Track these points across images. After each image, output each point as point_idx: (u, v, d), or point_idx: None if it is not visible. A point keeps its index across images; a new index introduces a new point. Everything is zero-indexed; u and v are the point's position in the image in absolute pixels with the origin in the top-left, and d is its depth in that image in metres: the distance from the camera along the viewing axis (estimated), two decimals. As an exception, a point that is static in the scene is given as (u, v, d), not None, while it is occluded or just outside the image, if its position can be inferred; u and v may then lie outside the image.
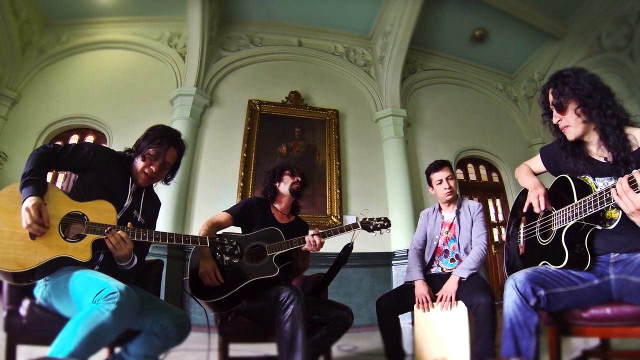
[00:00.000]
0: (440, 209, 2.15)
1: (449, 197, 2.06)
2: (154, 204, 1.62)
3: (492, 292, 1.71)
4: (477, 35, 5.31)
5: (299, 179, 2.03)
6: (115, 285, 1.10)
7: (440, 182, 2.06)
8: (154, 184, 1.61)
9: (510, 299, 1.11)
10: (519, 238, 1.43)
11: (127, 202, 1.44)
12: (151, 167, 1.49)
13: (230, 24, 5.13)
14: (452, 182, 2.06)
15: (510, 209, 1.58)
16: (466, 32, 5.31)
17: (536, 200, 1.28)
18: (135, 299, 1.12)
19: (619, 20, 4.52)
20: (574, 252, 1.14)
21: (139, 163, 1.49)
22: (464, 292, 1.75)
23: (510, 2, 4.78)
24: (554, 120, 1.28)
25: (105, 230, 1.27)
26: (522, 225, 1.43)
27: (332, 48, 5.38)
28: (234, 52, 5.03)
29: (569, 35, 5.16)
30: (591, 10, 4.78)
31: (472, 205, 2.07)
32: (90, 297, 1.07)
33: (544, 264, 1.22)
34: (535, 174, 1.50)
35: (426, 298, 1.83)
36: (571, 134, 1.25)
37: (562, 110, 1.24)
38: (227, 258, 1.47)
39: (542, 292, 1.09)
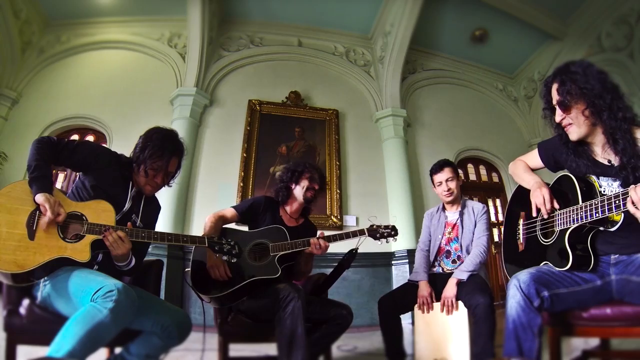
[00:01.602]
0: (444, 208, 2.13)
1: (448, 199, 2.05)
2: (154, 208, 1.61)
3: (491, 293, 1.72)
4: (477, 35, 5.30)
5: (317, 187, 1.92)
6: (114, 283, 1.10)
7: (440, 183, 2.05)
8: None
9: (514, 299, 1.08)
10: (519, 234, 1.41)
11: (127, 206, 1.43)
12: (155, 179, 1.48)
13: (230, 24, 5.13)
14: (452, 184, 2.03)
15: (508, 202, 1.54)
16: (466, 32, 5.31)
17: (542, 203, 1.21)
18: (133, 297, 1.12)
19: (619, 20, 4.52)
20: (577, 253, 1.12)
21: (142, 177, 1.46)
22: (463, 292, 1.75)
23: (510, 2, 4.78)
24: (557, 119, 1.19)
25: (103, 229, 1.27)
26: (521, 221, 1.40)
27: (332, 48, 5.38)
28: (234, 52, 5.03)
29: (569, 35, 5.16)
30: (591, 10, 4.78)
31: (476, 206, 2.04)
32: (89, 296, 1.07)
33: (545, 264, 1.21)
34: (532, 170, 1.44)
35: (427, 300, 1.83)
36: (574, 133, 1.17)
37: (567, 109, 1.15)
38: (225, 258, 1.47)
39: (545, 293, 1.07)
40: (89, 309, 1.04)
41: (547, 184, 1.30)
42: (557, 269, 1.15)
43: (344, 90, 5.22)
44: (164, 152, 1.47)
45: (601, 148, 1.17)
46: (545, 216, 1.21)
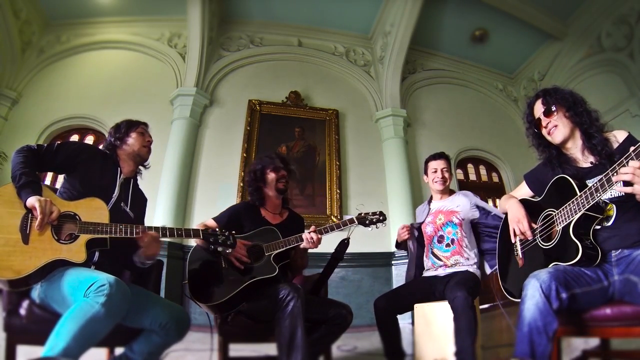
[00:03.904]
0: (430, 201, 2.18)
1: (440, 188, 2.10)
2: (141, 199, 1.64)
3: (474, 287, 1.71)
4: (477, 35, 5.31)
5: (285, 173, 1.88)
6: (105, 277, 1.09)
7: (435, 170, 2.11)
8: (139, 177, 1.67)
9: (532, 300, 1.04)
10: (516, 251, 1.41)
11: (115, 193, 1.45)
12: (147, 139, 1.63)
13: (230, 24, 5.13)
14: (446, 174, 2.10)
15: (499, 231, 1.59)
16: (466, 32, 5.31)
17: (518, 230, 1.34)
18: (125, 290, 1.11)
19: (619, 20, 4.52)
20: (585, 245, 1.12)
21: (133, 142, 1.56)
22: (447, 288, 1.73)
23: (510, 2, 4.78)
24: (543, 123, 1.34)
25: (136, 231, 1.31)
26: (517, 239, 1.41)
27: (332, 48, 5.38)
28: (234, 52, 5.04)
29: (569, 35, 5.16)
30: (591, 10, 4.78)
31: (466, 192, 2.12)
32: (82, 293, 1.07)
33: (555, 265, 1.19)
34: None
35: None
36: (560, 133, 1.30)
37: (551, 114, 1.32)
38: (220, 249, 1.49)
39: (564, 295, 1.05)
40: (81, 305, 1.03)
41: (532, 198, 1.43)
42: (568, 263, 1.13)
43: (344, 90, 5.22)
44: (136, 122, 1.66)
45: (581, 153, 1.30)
46: (530, 237, 1.33)
